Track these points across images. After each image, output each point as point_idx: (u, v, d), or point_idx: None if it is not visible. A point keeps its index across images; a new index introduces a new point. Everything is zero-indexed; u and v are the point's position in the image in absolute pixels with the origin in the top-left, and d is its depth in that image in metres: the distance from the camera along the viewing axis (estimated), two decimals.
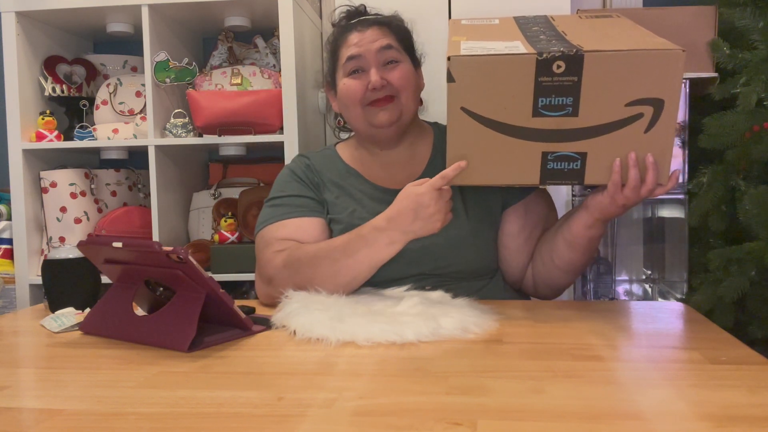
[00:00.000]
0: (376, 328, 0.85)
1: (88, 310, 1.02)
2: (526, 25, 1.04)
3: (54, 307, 1.07)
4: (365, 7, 1.25)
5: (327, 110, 1.35)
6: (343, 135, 1.38)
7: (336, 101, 1.24)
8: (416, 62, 1.23)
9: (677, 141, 1.65)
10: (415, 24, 1.26)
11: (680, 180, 1.67)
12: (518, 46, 0.92)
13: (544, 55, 0.87)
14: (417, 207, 0.99)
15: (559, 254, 1.09)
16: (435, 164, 1.21)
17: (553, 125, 0.91)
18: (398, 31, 1.21)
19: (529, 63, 0.88)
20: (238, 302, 0.96)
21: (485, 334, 0.88)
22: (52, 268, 1.07)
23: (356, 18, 1.23)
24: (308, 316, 0.90)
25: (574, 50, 0.87)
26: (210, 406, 0.63)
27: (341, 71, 1.19)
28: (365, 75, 1.16)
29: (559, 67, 0.87)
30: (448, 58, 0.90)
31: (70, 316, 1.01)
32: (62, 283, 1.07)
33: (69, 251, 1.07)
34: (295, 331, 0.89)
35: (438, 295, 1.02)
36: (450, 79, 0.91)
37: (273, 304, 1.06)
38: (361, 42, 1.16)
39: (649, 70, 0.87)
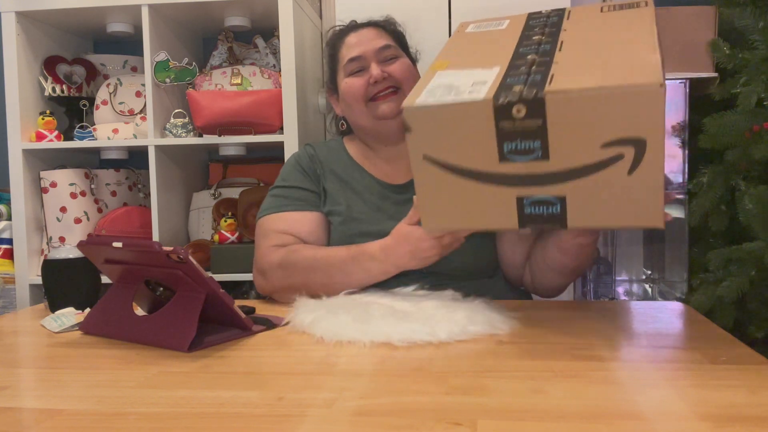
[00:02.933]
0: (406, 328, 0.85)
1: (88, 310, 1.02)
2: (529, 33, 0.98)
3: (54, 307, 1.07)
4: (356, 22, 1.29)
5: (327, 112, 1.38)
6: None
7: (339, 105, 1.28)
8: (412, 60, 1.27)
9: (677, 141, 1.65)
10: (415, 22, 1.28)
11: (680, 180, 1.67)
12: (485, 83, 0.84)
13: (501, 101, 0.79)
14: (414, 250, 1.01)
15: (551, 257, 1.09)
16: None
17: (524, 170, 0.83)
18: (393, 32, 1.26)
19: (486, 109, 0.80)
20: (238, 302, 0.96)
21: (485, 334, 0.88)
22: (52, 268, 1.07)
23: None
24: (333, 319, 0.90)
25: (534, 92, 0.78)
26: (210, 406, 0.63)
27: (342, 72, 1.22)
28: (366, 72, 1.20)
29: (519, 111, 0.79)
30: (402, 109, 0.85)
31: (70, 316, 1.01)
32: (62, 283, 1.07)
33: (69, 251, 1.07)
34: (322, 337, 0.87)
35: (450, 293, 1.03)
36: (407, 128, 0.85)
37: (271, 299, 1.14)
38: (360, 42, 1.21)
39: (623, 108, 0.76)
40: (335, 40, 1.27)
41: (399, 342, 0.83)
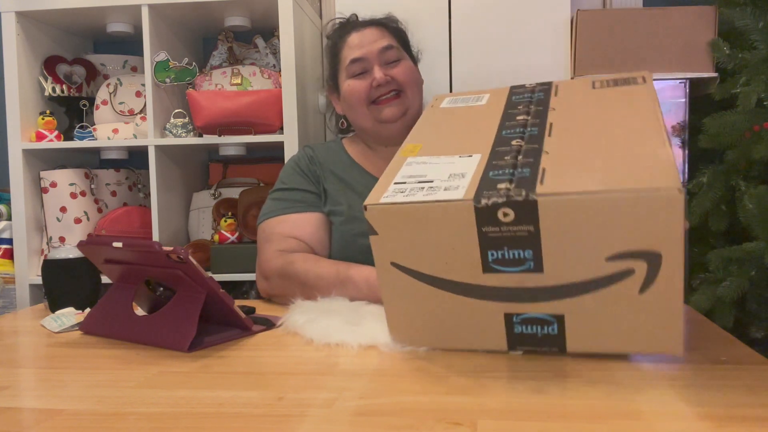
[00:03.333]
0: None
1: (88, 310, 1.02)
2: (513, 111, 0.86)
3: (54, 307, 1.07)
4: (357, 16, 1.28)
5: (327, 111, 1.38)
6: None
7: (339, 104, 1.28)
8: (414, 60, 1.26)
9: (677, 141, 1.64)
10: (415, 20, 1.28)
11: (680, 180, 1.67)
12: (463, 175, 0.72)
13: (483, 202, 0.66)
14: None
15: None
16: None
17: (513, 283, 0.70)
18: (395, 31, 1.25)
19: (466, 211, 0.67)
20: (238, 302, 0.96)
21: None
22: (52, 268, 1.07)
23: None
24: (326, 321, 0.89)
25: (523, 193, 0.65)
26: (210, 406, 0.63)
27: (344, 73, 1.22)
28: (369, 75, 1.20)
29: (506, 215, 0.66)
30: (365, 207, 0.72)
31: (70, 316, 1.01)
32: (62, 283, 1.07)
33: (69, 251, 1.08)
34: (312, 339, 0.86)
35: None
36: (371, 231, 0.73)
37: (270, 300, 1.15)
38: (362, 43, 1.20)
39: (633, 217, 0.63)
40: (336, 38, 1.26)
41: (384, 348, 0.81)
